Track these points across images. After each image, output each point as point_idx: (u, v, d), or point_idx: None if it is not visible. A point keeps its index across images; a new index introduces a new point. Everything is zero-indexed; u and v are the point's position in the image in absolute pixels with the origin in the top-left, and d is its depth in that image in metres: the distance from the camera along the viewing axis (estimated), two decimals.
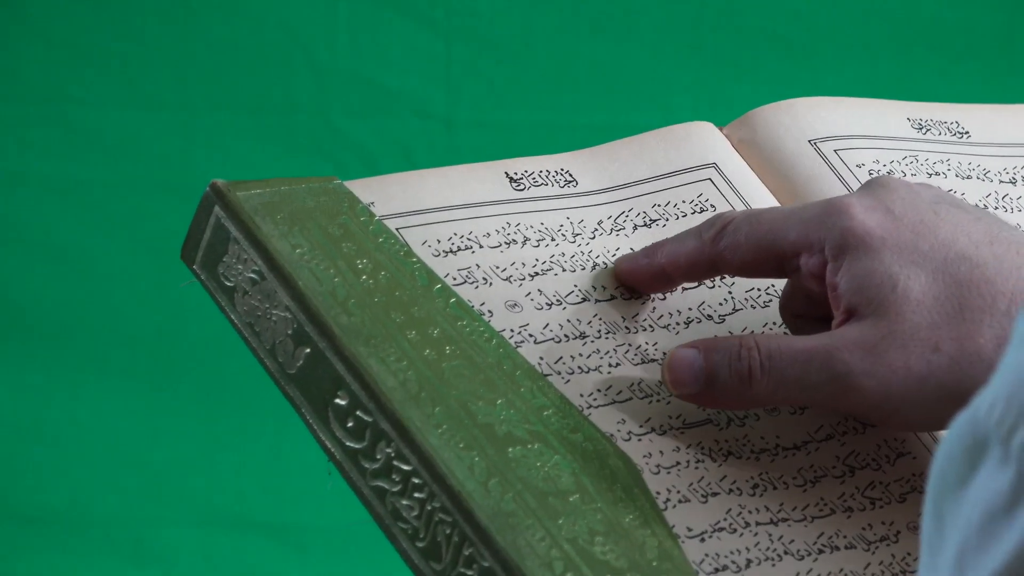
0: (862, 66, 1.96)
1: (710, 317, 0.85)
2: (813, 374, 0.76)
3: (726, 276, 0.84)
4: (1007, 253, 0.73)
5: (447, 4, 1.92)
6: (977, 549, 0.50)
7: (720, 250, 0.81)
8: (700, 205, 0.88)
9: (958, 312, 0.72)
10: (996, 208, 0.93)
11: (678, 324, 0.84)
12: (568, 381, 0.80)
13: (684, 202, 0.88)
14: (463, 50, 1.92)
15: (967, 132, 0.97)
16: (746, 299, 0.88)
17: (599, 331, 0.82)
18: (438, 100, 1.91)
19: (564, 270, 0.84)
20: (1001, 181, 0.95)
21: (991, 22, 1.96)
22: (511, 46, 1.93)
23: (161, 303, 1.86)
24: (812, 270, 0.78)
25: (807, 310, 0.82)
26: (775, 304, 0.86)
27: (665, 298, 0.84)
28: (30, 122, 1.89)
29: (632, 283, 0.84)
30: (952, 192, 0.91)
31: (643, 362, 0.82)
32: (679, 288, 0.85)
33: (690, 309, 0.84)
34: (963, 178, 0.94)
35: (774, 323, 0.86)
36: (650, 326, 0.83)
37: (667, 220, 0.87)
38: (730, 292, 0.86)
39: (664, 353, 0.82)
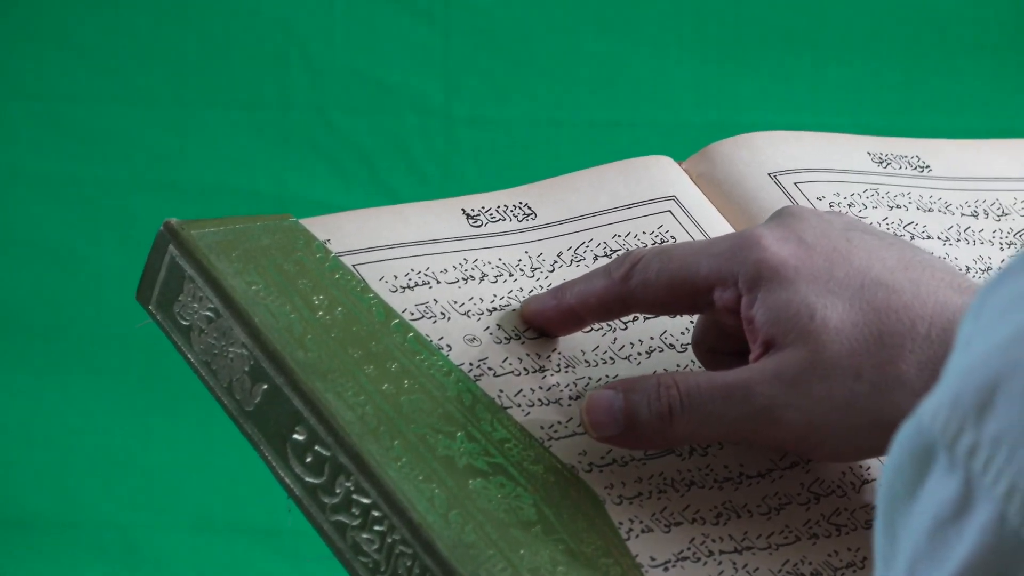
0: (864, 63, 1.95)
1: (672, 346, 0.85)
2: (734, 409, 0.76)
3: (638, 316, 0.84)
4: (922, 277, 0.74)
5: None
6: (928, 557, 0.51)
7: (631, 288, 0.80)
8: (661, 236, 0.89)
9: (878, 339, 0.73)
10: (959, 241, 0.93)
11: (639, 354, 0.84)
12: (528, 414, 0.80)
13: (644, 233, 0.89)
14: (462, 45, 1.92)
15: (928, 166, 0.97)
16: None
17: (559, 364, 0.83)
18: (436, 96, 1.90)
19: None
20: (963, 214, 0.95)
21: (997, 20, 1.95)
22: (511, 41, 1.93)
23: None
24: (726, 304, 0.78)
25: (721, 345, 0.82)
26: None
27: (627, 327, 0.84)
28: (21, 119, 1.89)
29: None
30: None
31: None
32: (640, 317, 0.84)
33: (651, 339, 0.84)
34: (924, 211, 0.94)
35: None
36: (611, 358, 0.83)
37: (627, 249, 0.87)
38: (691, 320, 0.86)
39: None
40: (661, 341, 0.85)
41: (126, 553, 1.82)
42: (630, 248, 0.88)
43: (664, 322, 0.85)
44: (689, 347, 0.86)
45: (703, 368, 0.85)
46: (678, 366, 0.85)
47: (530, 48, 1.92)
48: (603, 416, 0.80)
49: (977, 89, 1.93)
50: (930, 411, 0.52)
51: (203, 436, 1.84)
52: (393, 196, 1.88)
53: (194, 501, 1.83)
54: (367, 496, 0.74)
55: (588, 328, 0.85)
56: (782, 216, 0.81)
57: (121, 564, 1.82)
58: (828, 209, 0.89)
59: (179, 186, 1.89)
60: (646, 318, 0.86)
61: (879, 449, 0.75)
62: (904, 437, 0.53)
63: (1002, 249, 0.95)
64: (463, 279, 0.85)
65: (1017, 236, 0.97)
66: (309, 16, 1.90)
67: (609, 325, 0.85)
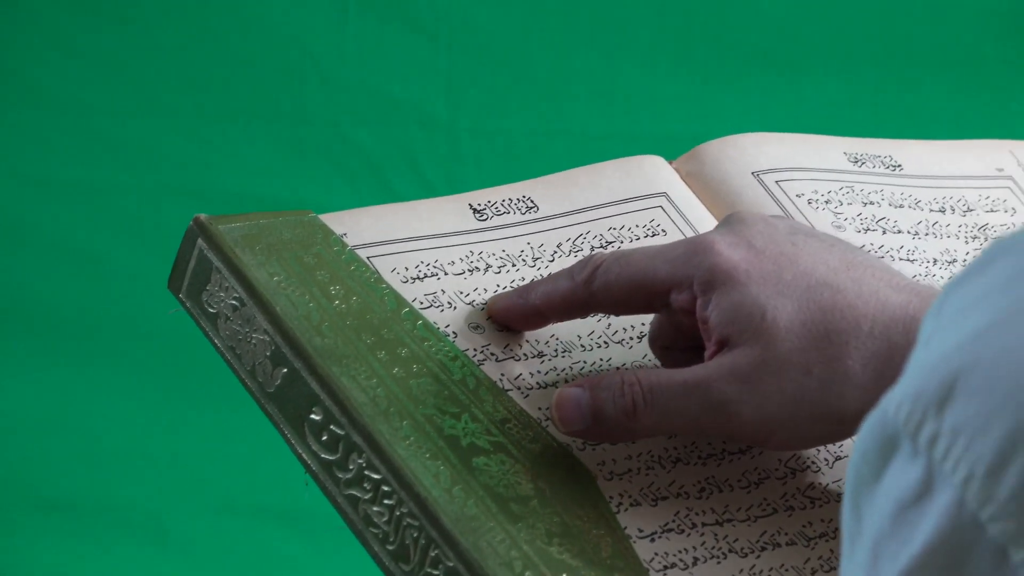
0: (837, 80, 1.95)
1: None
2: (693, 405, 0.77)
3: (599, 314, 0.84)
4: (864, 276, 0.74)
5: (448, 19, 1.92)
6: (891, 537, 0.52)
7: (593, 290, 0.81)
8: (652, 230, 0.89)
9: (824, 336, 0.73)
10: (927, 235, 0.94)
11: (631, 339, 0.84)
12: (527, 396, 0.80)
13: (637, 226, 0.89)
14: (463, 62, 1.93)
15: (899, 165, 0.97)
16: None
17: (556, 350, 0.83)
18: (440, 109, 1.92)
19: None
20: (931, 210, 0.95)
21: (961, 41, 1.95)
22: (509, 58, 1.93)
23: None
24: (682, 305, 0.79)
25: (676, 342, 0.83)
26: None
27: (618, 316, 0.85)
28: (53, 130, 1.90)
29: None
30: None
31: None
32: None
33: (643, 324, 0.85)
34: (896, 207, 0.94)
35: None
36: (605, 343, 0.84)
37: (622, 243, 0.88)
38: None
39: (621, 366, 0.83)
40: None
41: (156, 534, 1.82)
42: (623, 240, 0.88)
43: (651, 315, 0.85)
44: None
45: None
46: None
47: (527, 64, 1.93)
48: (571, 412, 0.80)
49: (943, 104, 1.94)
50: (894, 403, 0.52)
51: (226, 426, 1.84)
52: (399, 201, 1.93)
53: (218, 486, 1.84)
54: (377, 472, 0.74)
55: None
56: (732, 222, 0.81)
57: (151, 544, 1.82)
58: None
59: (202, 192, 1.90)
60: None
61: (826, 438, 0.76)
62: (870, 426, 0.53)
63: (967, 243, 0.95)
64: (469, 270, 0.85)
65: (980, 230, 0.97)
66: (323, 35, 1.92)
67: (602, 314, 0.84)
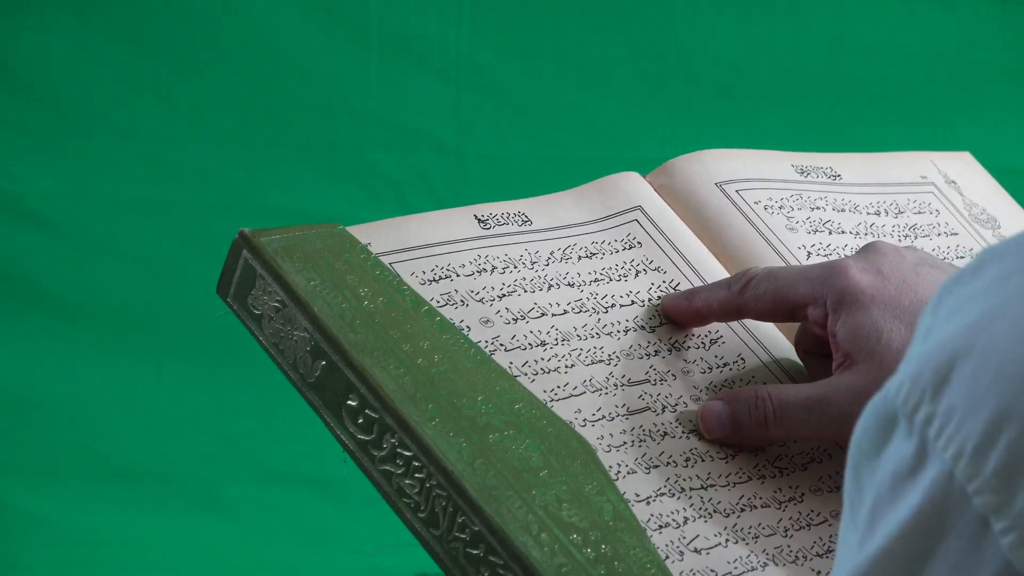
0: (786, 110, 1.97)
1: (643, 327, 0.86)
2: (815, 418, 0.79)
3: (616, 303, 0.85)
4: None
5: (457, 61, 1.95)
6: (887, 504, 0.53)
7: (745, 300, 0.82)
8: (628, 242, 0.89)
9: None
10: (866, 235, 0.95)
11: (619, 332, 0.85)
12: (534, 380, 0.81)
13: (616, 240, 0.89)
14: (470, 98, 1.96)
15: (839, 175, 0.98)
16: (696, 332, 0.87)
17: (556, 339, 0.84)
18: (450, 137, 1.96)
19: (525, 291, 0.85)
20: (868, 213, 0.96)
21: (898, 79, 1.98)
22: (508, 94, 1.97)
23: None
24: (817, 319, 0.81)
25: (815, 348, 0.84)
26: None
27: (607, 311, 0.85)
28: (122, 156, 1.95)
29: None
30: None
31: (593, 363, 0.84)
32: (618, 304, 0.86)
33: (627, 320, 0.85)
34: (838, 211, 0.95)
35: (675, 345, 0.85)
36: (596, 334, 0.84)
37: (604, 254, 0.88)
38: (656, 306, 0.87)
39: (611, 353, 0.84)
40: (634, 323, 0.86)
41: (206, 499, 1.89)
42: (605, 252, 0.87)
43: (636, 308, 0.86)
44: (656, 328, 0.86)
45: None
46: (648, 343, 0.85)
47: (525, 99, 1.97)
48: (714, 423, 0.81)
49: (875, 131, 1.97)
50: (895, 386, 0.53)
51: (269, 407, 1.90)
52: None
53: (260, 458, 1.91)
54: (408, 450, 0.75)
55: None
56: (868, 250, 0.82)
57: (201, 508, 1.89)
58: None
59: (247, 208, 1.95)
60: (631, 303, 0.86)
61: None
62: (872, 407, 0.54)
63: (899, 240, 0.95)
64: (477, 272, 0.85)
65: (910, 229, 0.96)
66: (351, 75, 1.96)
67: (594, 309, 0.85)
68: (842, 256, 0.88)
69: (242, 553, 1.85)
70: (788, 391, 0.79)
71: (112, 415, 1.92)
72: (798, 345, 0.85)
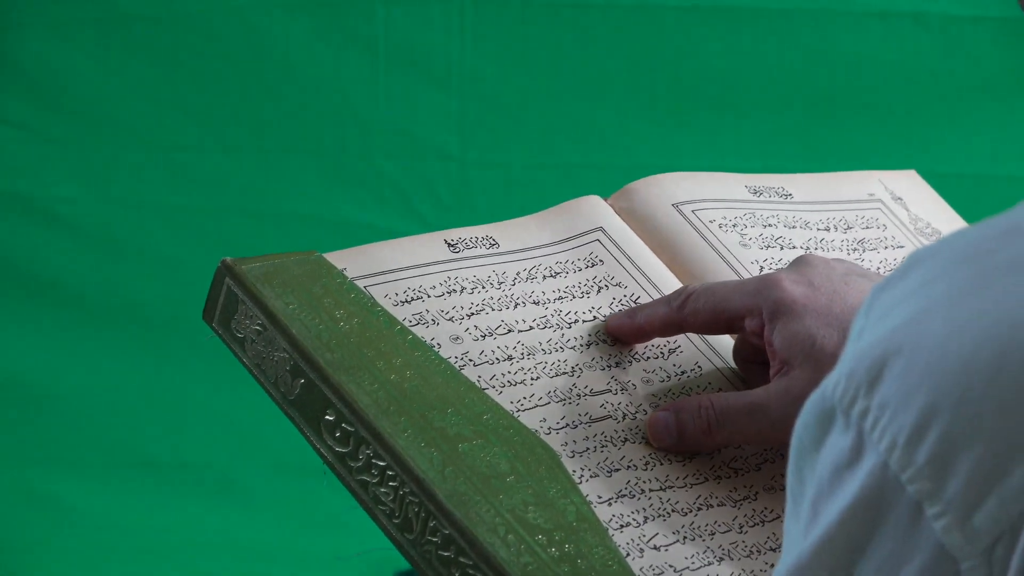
0: (770, 119, 1.99)
1: (605, 341, 0.86)
2: (756, 422, 0.79)
3: (580, 319, 0.85)
4: None
5: (460, 73, 1.97)
6: (828, 495, 0.53)
7: (684, 315, 0.83)
8: (591, 261, 0.89)
9: None
10: (816, 249, 0.95)
11: (582, 346, 0.85)
12: (501, 392, 0.82)
13: (580, 259, 0.89)
14: (472, 108, 1.98)
15: (790, 194, 0.98)
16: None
17: (522, 354, 0.84)
18: (453, 145, 1.98)
19: (493, 310, 0.85)
20: (818, 229, 0.96)
21: (872, 88, 2.00)
22: (509, 105, 1.99)
23: None
24: (754, 329, 0.81)
25: (753, 357, 0.85)
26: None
27: (571, 327, 0.86)
28: (143, 163, 1.97)
29: (618, 337, 0.85)
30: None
31: (557, 375, 0.84)
32: (580, 319, 0.86)
33: (589, 335, 0.86)
34: (789, 227, 0.95)
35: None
36: (560, 347, 0.85)
37: (567, 272, 0.88)
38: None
39: (575, 366, 0.84)
40: (596, 337, 0.86)
41: (223, 488, 1.92)
42: (569, 271, 0.88)
43: (599, 323, 0.86)
44: (614, 341, 0.86)
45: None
46: (609, 355, 0.85)
47: (524, 109, 1.99)
48: (660, 432, 0.81)
49: (849, 139, 1.99)
50: (832, 384, 0.53)
51: None
52: (421, 219, 1.95)
53: (275, 448, 1.91)
54: (383, 460, 0.75)
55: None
56: (798, 263, 0.82)
57: (219, 496, 1.91)
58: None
59: (261, 214, 1.97)
60: (594, 318, 0.87)
61: None
62: (811, 404, 0.54)
63: (848, 254, 0.95)
64: (447, 292, 0.85)
65: (859, 244, 0.96)
66: (359, 87, 1.98)
67: (558, 325, 0.85)
68: None
69: (256, 538, 1.87)
70: (729, 398, 0.81)
71: (134, 408, 1.95)
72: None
